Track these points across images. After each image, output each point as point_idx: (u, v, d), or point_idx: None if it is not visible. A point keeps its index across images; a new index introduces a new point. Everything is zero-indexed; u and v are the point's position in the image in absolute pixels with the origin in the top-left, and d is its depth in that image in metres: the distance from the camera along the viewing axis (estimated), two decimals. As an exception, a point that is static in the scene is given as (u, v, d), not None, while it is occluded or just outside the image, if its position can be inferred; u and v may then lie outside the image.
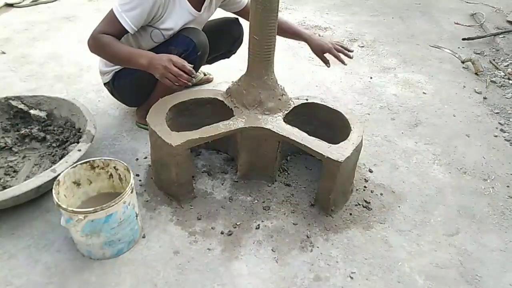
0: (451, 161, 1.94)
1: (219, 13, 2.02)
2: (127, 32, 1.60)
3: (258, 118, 1.57)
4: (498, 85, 2.60)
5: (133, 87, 1.86)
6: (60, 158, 1.59)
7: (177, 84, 1.54)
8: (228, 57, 2.24)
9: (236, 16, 2.06)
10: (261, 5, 1.40)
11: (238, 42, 2.15)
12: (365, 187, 1.73)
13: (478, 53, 3.03)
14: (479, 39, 3.19)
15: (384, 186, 1.75)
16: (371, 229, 1.55)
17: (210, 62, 2.20)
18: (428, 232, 1.55)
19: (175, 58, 1.53)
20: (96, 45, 1.60)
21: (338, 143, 1.49)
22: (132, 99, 2.00)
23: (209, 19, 1.97)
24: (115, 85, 1.90)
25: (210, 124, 1.54)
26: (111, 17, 1.58)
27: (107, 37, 1.58)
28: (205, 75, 2.44)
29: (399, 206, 1.66)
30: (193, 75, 1.55)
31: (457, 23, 3.56)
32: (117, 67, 1.84)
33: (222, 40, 2.06)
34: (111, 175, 1.47)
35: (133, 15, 1.56)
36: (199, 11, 1.77)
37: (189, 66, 1.54)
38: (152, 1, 1.55)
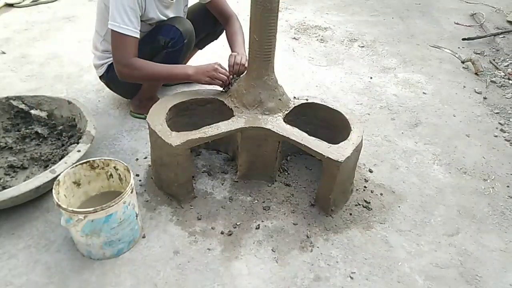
0: (451, 161, 1.94)
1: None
2: (137, 38, 1.65)
3: (258, 118, 1.57)
4: (498, 85, 2.60)
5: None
6: (60, 159, 1.59)
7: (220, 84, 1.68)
8: (216, 38, 2.25)
9: None
10: (261, 5, 1.40)
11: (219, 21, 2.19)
12: (365, 187, 1.73)
13: (478, 53, 3.03)
14: (479, 39, 3.19)
15: (384, 186, 1.75)
16: (371, 229, 1.55)
17: (200, 46, 2.25)
18: (428, 232, 1.55)
19: (220, 69, 1.66)
20: (131, 74, 1.70)
21: (338, 143, 1.49)
22: (127, 89, 2.02)
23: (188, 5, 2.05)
24: (109, 77, 1.94)
25: (210, 124, 1.54)
26: (119, 38, 1.62)
27: (137, 61, 1.66)
28: None
29: (399, 206, 1.66)
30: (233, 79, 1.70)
31: (457, 23, 3.56)
32: (109, 60, 1.89)
33: (203, 21, 2.09)
34: (111, 175, 1.47)
35: (132, 20, 1.61)
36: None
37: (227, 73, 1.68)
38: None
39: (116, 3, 1.58)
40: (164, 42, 1.78)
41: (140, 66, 1.66)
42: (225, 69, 1.68)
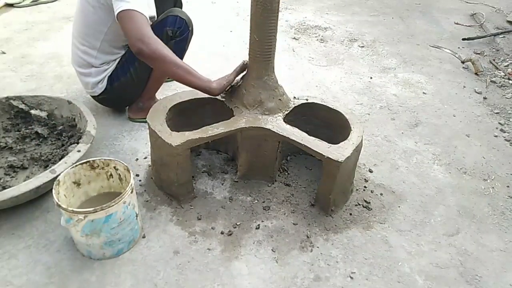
0: (451, 161, 1.94)
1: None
2: (148, 20, 1.55)
3: (258, 118, 1.57)
4: (498, 85, 2.60)
5: (131, 80, 1.89)
6: (60, 159, 1.59)
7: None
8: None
9: None
10: (261, 5, 1.40)
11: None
12: (365, 187, 1.73)
13: (478, 53, 3.03)
14: (479, 39, 3.19)
15: (384, 186, 1.75)
16: (371, 229, 1.55)
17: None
18: (428, 232, 1.55)
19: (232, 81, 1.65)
20: (153, 49, 1.46)
21: (338, 143, 1.49)
22: (133, 92, 2.00)
23: None
24: (113, 87, 1.89)
25: (210, 124, 1.54)
26: (131, 14, 1.48)
27: (161, 42, 1.49)
28: None
29: (399, 206, 1.66)
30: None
31: (457, 23, 3.56)
32: (108, 72, 1.87)
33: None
34: (111, 175, 1.47)
35: (141, 3, 1.51)
36: None
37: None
38: None
39: None
40: (172, 32, 1.80)
41: (160, 47, 1.47)
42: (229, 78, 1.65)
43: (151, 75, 1.92)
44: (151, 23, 1.79)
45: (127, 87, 1.92)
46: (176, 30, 1.81)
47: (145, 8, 1.55)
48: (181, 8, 2.18)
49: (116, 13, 1.51)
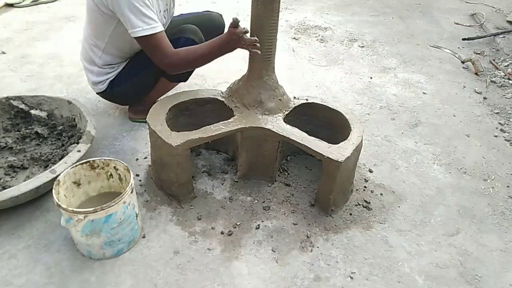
0: (451, 161, 1.94)
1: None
2: (163, 30, 1.56)
3: (258, 118, 1.57)
4: (498, 85, 2.60)
5: (133, 88, 1.87)
6: (60, 159, 1.59)
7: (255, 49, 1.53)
8: None
9: (219, 13, 2.15)
10: (262, 6, 1.40)
11: (221, 32, 2.13)
12: (365, 187, 1.73)
13: (478, 53, 3.03)
14: (479, 39, 3.19)
15: (384, 186, 1.75)
16: (371, 229, 1.55)
17: None
18: (428, 232, 1.55)
19: (237, 32, 1.49)
20: (180, 67, 1.64)
21: (338, 143, 1.49)
22: (134, 99, 2.00)
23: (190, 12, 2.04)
24: (113, 92, 1.88)
25: (210, 124, 1.54)
26: (150, 40, 1.53)
27: (179, 54, 1.57)
28: None
29: (399, 206, 1.66)
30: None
31: (457, 23, 3.56)
32: (111, 75, 1.83)
33: (207, 32, 2.05)
34: (111, 175, 1.47)
35: (150, 17, 1.51)
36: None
37: (253, 39, 1.52)
38: None
39: (129, 8, 1.47)
40: None
41: (183, 57, 1.58)
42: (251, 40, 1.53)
43: (156, 85, 1.90)
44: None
45: (128, 94, 1.90)
46: None
47: (151, 16, 1.51)
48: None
49: (131, 35, 1.53)
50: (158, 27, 1.53)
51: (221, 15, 2.18)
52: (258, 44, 1.49)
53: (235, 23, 1.49)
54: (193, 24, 1.86)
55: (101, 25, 1.67)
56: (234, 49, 1.54)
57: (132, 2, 1.47)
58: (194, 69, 1.92)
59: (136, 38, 1.54)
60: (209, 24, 2.06)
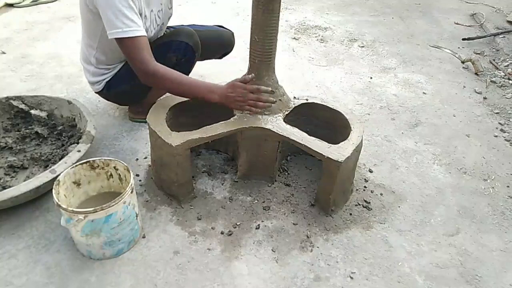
0: (451, 161, 1.94)
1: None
2: (146, 36, 1.52)
3: (258, 118, 1.57)
4: (498, 85, 2.60)
5: (130, 91, 1.86)
6: (60, 159, 1.59)
7: (258, 109, 1.53)
8: (221, 59, 2.25)
9: (231, 31, 2.12)
10: (262, 6, 1.40)
11: (229, 50, 2.18)
12: (365, 187, 1.73)
13: (478, 53, 3.03)
14: (479, 39, 3.19)
15: (384, 186, 1.75)
16: (371, 229, 1.55)
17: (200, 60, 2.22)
18: (428, 232, 1.55)
19: (249, 87, 1.50)
20: (155, 80, 1.53)
21: (338, 143, 1.49)
22: (131, 101, 2.00)
23: (202, 25, 2.00)
24: (110, 93, 1.88)
25: (210, 124, 1.54)
26: (128, 43, 1.47)
27: (160, 71, 1.49)
28: None
29: (399, 206, 1.66)
30: (271, 92, 1.53)
31: (457, 23, 3.56)
32: (107, 76, 1.83)
33: (214, 49, 2.07)
34: (111, 175, 1.47)
35: (133, 20, 1.47)
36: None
37: (264, 88, 1.50)
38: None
39: (111, 8, 1.42)
40: (176, 59, 1.72)
41: (161, 75, 1.50)
42: (258, 87, 1.52)
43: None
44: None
45: (125, 95, 1.89)
46: (181, 57, 1.72)
47: (134, 19, 1.45)
48: (228, 53, 2.11)
49: (109, 37, 1.49)
50: (139, 31, 1.47)
51: (232, 33, 2.14)
52: (261, 103, 1.49)
53: (248, 79, 1.48)
54: (201, 37, 1.83)
55: (92, 24, 1.65)
56: (223, 104, 1.51)
57: (115, 1, 1.42)
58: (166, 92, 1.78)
59: (115, 40, 1.47)
60: (218, 41, 2.04)
